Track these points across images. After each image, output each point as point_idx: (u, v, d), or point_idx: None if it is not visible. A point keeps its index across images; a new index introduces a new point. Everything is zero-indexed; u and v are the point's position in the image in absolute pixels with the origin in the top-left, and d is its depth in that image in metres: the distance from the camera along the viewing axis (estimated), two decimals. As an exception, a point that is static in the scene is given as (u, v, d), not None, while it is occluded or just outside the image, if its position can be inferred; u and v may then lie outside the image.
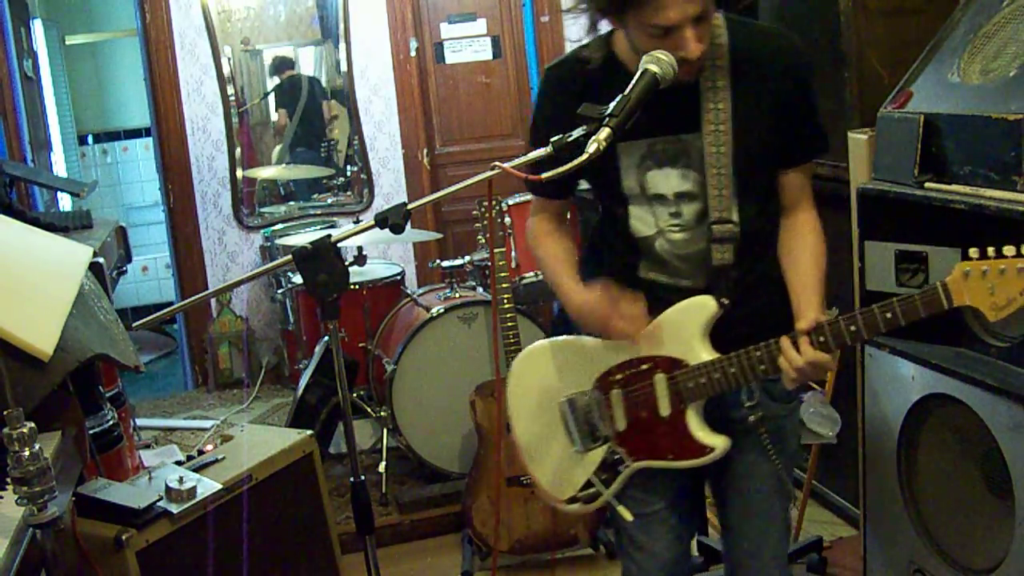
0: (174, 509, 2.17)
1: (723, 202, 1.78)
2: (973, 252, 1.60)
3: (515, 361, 2.05)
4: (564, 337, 1.98)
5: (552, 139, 1.68)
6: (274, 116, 5.62)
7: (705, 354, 1.80)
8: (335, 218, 5.41)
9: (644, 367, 1.86)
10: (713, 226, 1.80)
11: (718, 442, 1.82)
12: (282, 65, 5.53)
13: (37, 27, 5.99)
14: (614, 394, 1.89)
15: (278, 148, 5.59)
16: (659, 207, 1.85)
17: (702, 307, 1.81)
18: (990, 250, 1.58)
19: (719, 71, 1.76)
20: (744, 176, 1.79)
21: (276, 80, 5.54)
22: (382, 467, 3.72)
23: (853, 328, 1.69)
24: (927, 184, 2.27)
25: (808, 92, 1.84)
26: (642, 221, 1.88)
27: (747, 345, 1.76)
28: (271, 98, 5.56)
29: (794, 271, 1.84)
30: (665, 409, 1.84)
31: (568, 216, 2.07)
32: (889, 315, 1.64)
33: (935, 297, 1.61)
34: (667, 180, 1.83)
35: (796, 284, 1.82)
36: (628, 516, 1.93)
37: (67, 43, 6.98)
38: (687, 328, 1.81)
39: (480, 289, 3.95)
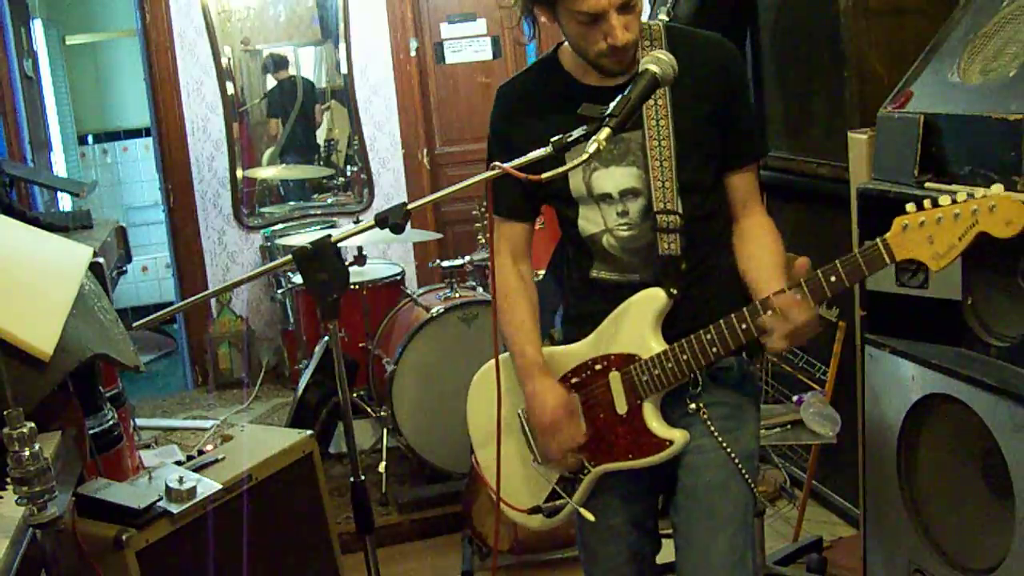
0: (174, 509, 2.17)
1: (667, 193, 1.81)
2: (910, 207, 1.62)
3: (472, 383, 2.07)
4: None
5: (552, 139, 1.69)
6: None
7: (657, 346, 1.81)
8: (335, 218, 5.42)
9: (598, 367, 1.87)
10: (658, 216, 1.82)
11: (676, 435, 1.81)
12: (277, 64, 5.53)
13: (37, 27, 5.99)
14: (571, 398, 1.89)
15: (269, 151, 5.58)
16: (605, 206, 1.88)
17: (652, 299, 1.82)
18: (926, 202, 1.61)
19: None
20: (686, 168, 1.83)
21: (271, 79, 5.54)
22: (382, 467, 3.72)
23: (800, 296, 1.68)
24: (927, 184, 2.26)
25: (741, 93, 1.90)
26: (590, 221, 1.90)
27: (697, 332, 1.77)
28: (264, 105, 5.56)
29: (755, 262, 1.85)
30: (622, 407, 1.84)
31: (530, 246, 2.04)
32: (833, 278, 1.66)
33: (877, 254, 1.63)
34: (611, 178, 1.86)
35: (757, 274, 1.83)
36: (590, 516, 1.90)
37: (67, 43, 6.98)
38: (639, 322, 1.82)
39: (480, 289, 3.95)
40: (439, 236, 4.61)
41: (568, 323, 2.04)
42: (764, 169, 3.44)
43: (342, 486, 3.72)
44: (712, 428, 1.84)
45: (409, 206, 1.75)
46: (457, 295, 3.80)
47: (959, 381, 2.20)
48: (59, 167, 6.11)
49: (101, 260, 2.85)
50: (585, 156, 1.64)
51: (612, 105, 1.69)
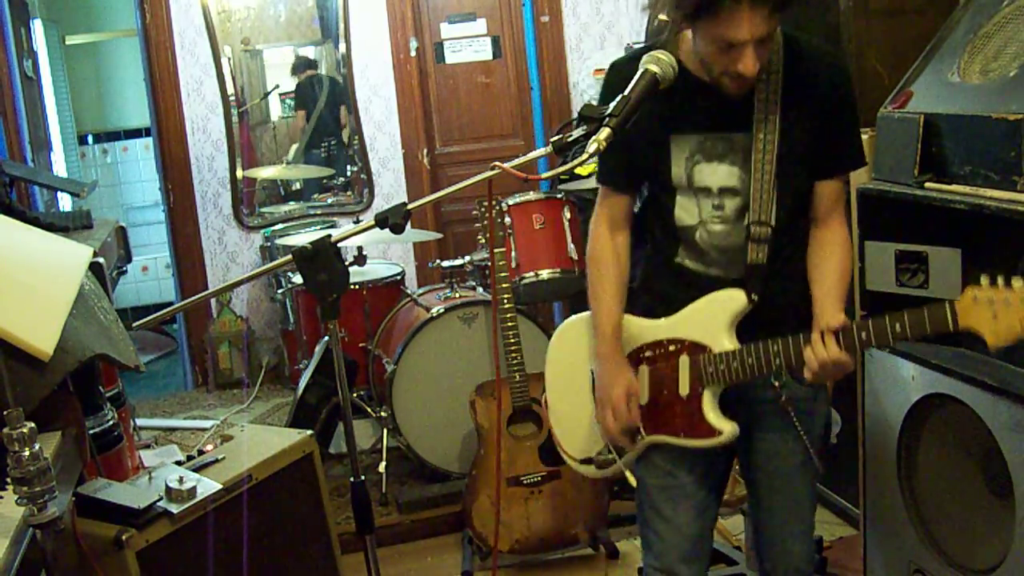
0: (174, 509, 2.17)
1: (764, 204, 1.89)
2: (984, 280, 1.66)
3: (559, 328, 2.21)
4: None
5: (552, 139, 1.71)
6: (275, 115, 5.64)
7: (728, 343, 1.92)
8: (335, 218, 5.42)
9: (672, 348, 1.98)
10: (752, 227, 1.90)
11: (726, 427, 1.93)
12: (304, 66, 5.56)
13: (37, 27, 5.98)
14: (641, 369, 2.02)
15: (294, 148, 5.60)
16: (703, 199, 1.94)
17: (732, 300, 1.92)
18: (1000, 279, 1.64)
19: (773, 81, 1.86)
20: (784, 180, 1.89)
21: (294, 80, 5.57)
22: (382, 467, 3.72)
23: (864, 335, 1.78)
24: (927, 184, 2.27)
25: (850, 109, 1.95)
26: (686, 211, 1.97)
27: (766, 339, 1.87)
28: (273, 99, 5.56)
29: (819, 282, 1.94)
30: (684, 389, 1.95)
31: (633, 217, 2.10)
32: (899, 327, 1.73)
33: (943, 317, 1.69)
34: (714, 174, 1.92)
35: (819, 293, 1.93)
36: (633, 481, 2.05)
37: (67, 43, 6.98)
38: (716, 317, 1.93)
39: (480, 289, 3.95)
40: (439, 236, 4.61)
41: (648, 295, 2.09)
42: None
43: (342, 486, 3.72)
44: (793, 417, 1.96)
45: (409, 206, 1.75)
46: (457, 295, 3.80)
47: (959, 381, 2.20)
48: (59, 167, 6.11)
49: (101, 260, 2.85)
50: (585, 156, 1.68)
51: (612, 105, 1.71)
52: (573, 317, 2.18)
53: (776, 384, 1.94)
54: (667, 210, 1.98)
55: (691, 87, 1.87)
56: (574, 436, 2.16)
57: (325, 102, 5.58)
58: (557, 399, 2.21)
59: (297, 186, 5.67)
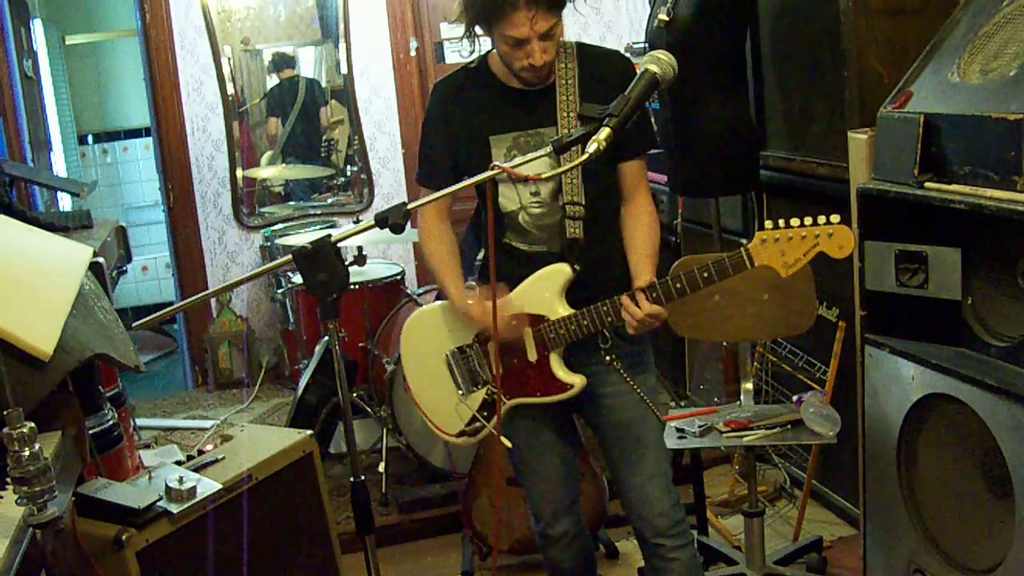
0: (174, 509, 2.17)
1: (574, 187, 2.21)
2: (768, 224, 2.03)
3: (408, 321, 2.46)
4: (445, 301, 2.37)
5: (552, 139, 1.75)
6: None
7: (563, 310, 2.21)
8: (335, 218, 5.41)
9: (514, 322, 2.23)
10: (567, 207, 2.22)
11: (576, 380, 2.25)
12: (281, 63, 5.52)
13: (37, 27, 5.98)
14: (490, 345, 2.27)
15: (268, 154, 5.58)
16: (521, 187, 2.26)
17: (558, 272, 2.23)
18: (780, 222, 2.02)
19: (570, 81, 2.20)
20: (590, 164, 2.07)
21: (275, 79, 5.54)
22: (382, 467, 3.72)
23: (679, 285, 2.10)
24: (927, 184, 2.27)
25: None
26: (508, 199, 2.28)
27: (594, 303, 2.17)
28: (263, 103, 5.55)
29: (632, 246, 2.26)
30: (532, 355, 2.25)
31: (450, 208, 2.42)
32: (706, 274, 2.07)
33: (740, 259, 2.04)
34: (528, 165, 2.10)
35: (632, 255, 2.25)
36: (508, 443, 2.31)
37: (67, 43, 6.98)
38: (547, 289, 2.23)
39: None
40: (439, 236, 4.60)
41: (485, 278, 2.30)
42: (764, 169, 3.44)
43: (342, 486, 3.72)
44: (624, 375, 2.27)
45: (409, 206, 1.76)
46: (457, 295, 3.80)
47: (959, 381, 2.20)
48: (59, 167, 6.11)
49: (101, 260, 2.85)
50: (585, 156, 1.71)
51: (612, 105, 1.79)
52: (416, 311, 2.45)
53: (603, 346, 2.25)
54: (494, 200, 2.25)
55: (504, 93, 2.24)
56: (443, 416, 2.40)
57: (304, 105, 5.55)
58: (419, 386, 2.45)
59: (296, 186, 5.65)
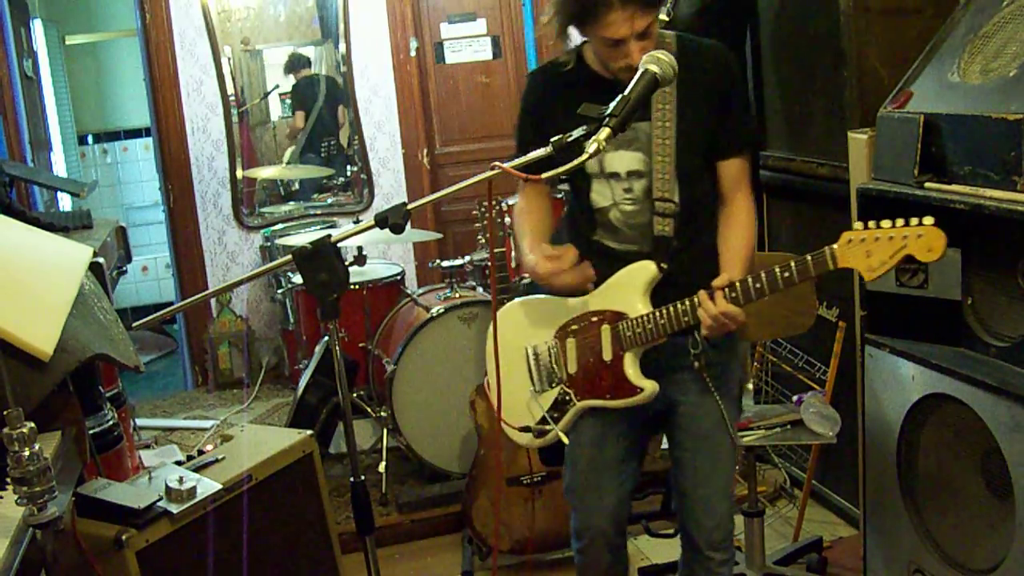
0: (174, 509, 2.17)
1: (665, 183, 2.11)
2: (857, 225, 1.90)
3: (502, 309, 2.37)
4: (535, 296, 2.30)
5: (552, 139, 1.75)
6: (274, 115, 5.63)
7: (643, 308, 2.12)
8: (335, 218, 5.41)
9: (594, 319, 2.17)
10: (656, 203, 2.12)
11: (647, 384, 2.13)
12: (297, 63, 5.54)
13: (37, 27, 5.98)
14: (568, 342, 2.21)
15: (290, 150, 5.59)
16: (614, 183, 2.17)
17: (644, 270, 2.14)
18: (871, 223, 1.89)
19: None
20: (684, 161, 2.11)
21: (291, 79, 5.55)
22: (382, 467, 3.72)
23: (758, 285, 1.99)
24: (927, 184, 2.27)
25: (739, 95, 2.21)
26: (600, 195, 2.19)
27: (675, 301, 2.08)
28: (273, 99, 5.55)
29: (725, 246, 2.17)
30: (607, 354, 2.15)
31: (550, 194, 2.37)
32: (787, 274, 1.95)
33: (823, 259, 1.93)
34: (621, 160, 2.14)
35: (724, 255, 2.16)
36: (566, 440, 2.23)
37: (67, 43, 6.98)
38: (631, 287, 2.14)
39: (480, 289, 3.95)
40: (439, 236, 4.60)
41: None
42: (764, 169, 3.44)
43: (342, 486, 3.72)
44: (710, 383, 2.17)
45: (409, 206, 1.75)
46: (457, 295, 3.80)
47: (959, 381, 2.20)
48: (59, 167, 6.11)
49: (101, 260, 2.84)
50: (585, 156, 1.74)
51: (612, 105, 1.76)
52: (514, 301, 2.37)
53: (693, 351, 2.14)
54: (584, 195, 2.20)
55: (598, 85, 2.09)
56: (514, 410, 2.31)
57: (324, 102, 5.58)
58: (503, 373, 2.34)
59: (296, 186, 5.66)
